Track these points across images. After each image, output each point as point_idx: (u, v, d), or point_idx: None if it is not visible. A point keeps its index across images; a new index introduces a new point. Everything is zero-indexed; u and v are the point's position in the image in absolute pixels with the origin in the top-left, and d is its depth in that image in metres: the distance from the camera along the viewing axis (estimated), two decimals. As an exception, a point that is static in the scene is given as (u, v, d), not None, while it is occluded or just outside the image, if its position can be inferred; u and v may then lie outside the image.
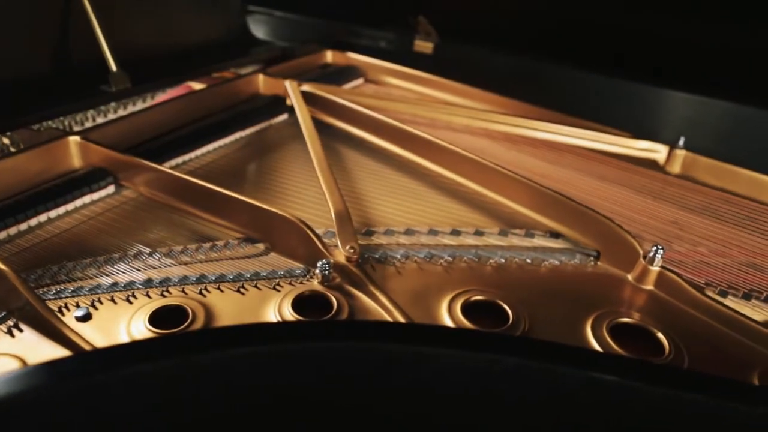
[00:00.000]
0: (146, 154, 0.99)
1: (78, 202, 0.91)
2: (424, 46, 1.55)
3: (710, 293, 0.80)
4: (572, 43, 1.46)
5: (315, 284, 0.77)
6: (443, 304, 0.76)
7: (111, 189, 0.96)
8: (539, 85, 1.45)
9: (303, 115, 1.15)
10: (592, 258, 0.88)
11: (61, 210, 0.89)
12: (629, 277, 0.85)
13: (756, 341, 0.74)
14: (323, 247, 0.79)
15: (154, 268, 0.79)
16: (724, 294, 0.81)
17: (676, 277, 0.80)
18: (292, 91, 1.24)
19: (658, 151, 1.18)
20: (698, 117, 1.32)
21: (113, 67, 1.15)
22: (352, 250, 0.79)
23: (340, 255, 0.79)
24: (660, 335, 0.74)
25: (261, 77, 1.33)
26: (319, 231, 0.86)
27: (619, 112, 1.40)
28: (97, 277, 0.76)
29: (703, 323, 0.77)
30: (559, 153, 1.19)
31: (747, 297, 0.81)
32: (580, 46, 1.46)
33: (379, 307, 0.74)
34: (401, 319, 0.71)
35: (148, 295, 0.74)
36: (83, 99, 1.10)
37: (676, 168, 1.16)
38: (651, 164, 1.18)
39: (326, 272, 0.76)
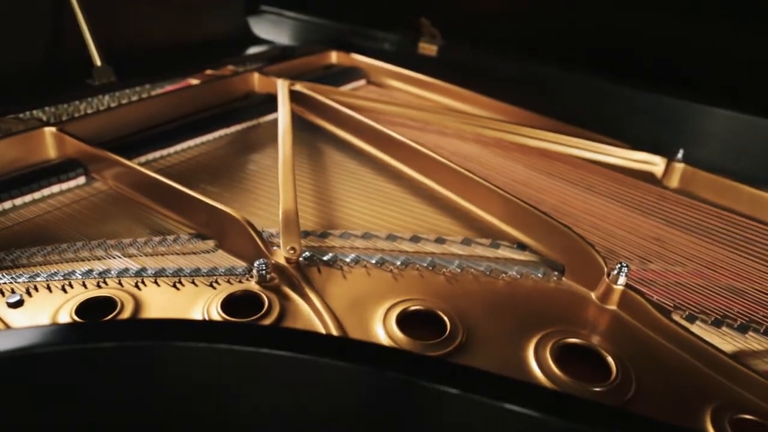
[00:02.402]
0: (123, 148, 1.00)
1: (45, 192, 0.93)
2: (428, 48, 1.51)
3: (676, 317, 0.74)
4: (577, 46, 1.40)
5: (252, 284, 0.75)
6: (379, 312, 0.73)
7: (81, 180, 0.97)
8: (542, 88, 1.39)
9: (284, 113, 1.13)
10: (556, 273, 0.83)
11: (27, 198, 0.91)
12: (593, 295, 0.79)
13: (717, 372, 0.67)
14: (264, 246, 0.78)
15: (99, 259, 0.79)
16: (692, 319, 0.75)
17: (639, 298, 0.74)
18: (281, 89, 1.23)
19: (655, 164, 1.10)
20: (711, 129, 1.24)
21: (98, 61, 1.17)
22: (292, 251, 0.77)
23: (281, 256, 0.78)
24: (610, 359, 0.69)
25: (256, 75, 1.33)
26: (275, 231, 0.85)
27: (628, 122, 1.33)
28: (40, 264, 0.77)
29: (662, 349, 0.71)
30: (549, 161, 1.13)
31: (717, 324, 0.74)
32: (584, 47, 1.40)
33: (312, 311, 0.72)
34: (330, 324, 0.69)
35: (84, 285, 0.74)
36: (59, 92, 1.12)
37: (674, 182, 1.08)
38: (652, 178, 1.11)
39: (263, 272, 0.74)
